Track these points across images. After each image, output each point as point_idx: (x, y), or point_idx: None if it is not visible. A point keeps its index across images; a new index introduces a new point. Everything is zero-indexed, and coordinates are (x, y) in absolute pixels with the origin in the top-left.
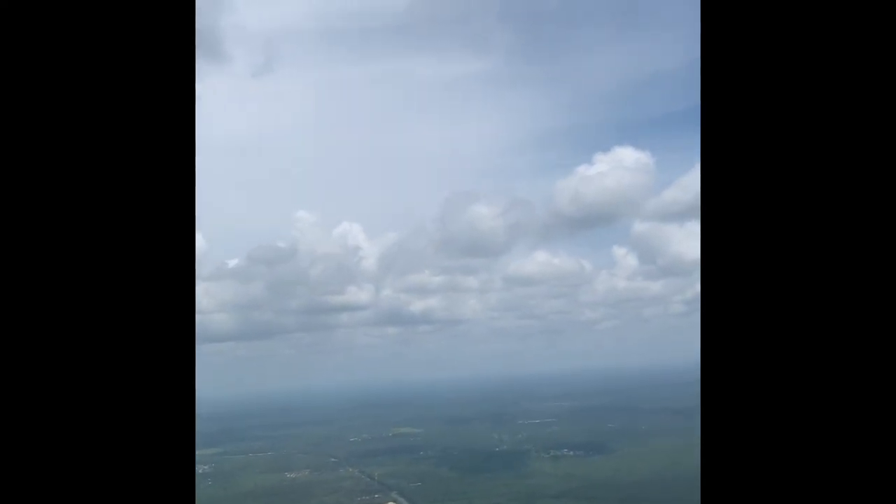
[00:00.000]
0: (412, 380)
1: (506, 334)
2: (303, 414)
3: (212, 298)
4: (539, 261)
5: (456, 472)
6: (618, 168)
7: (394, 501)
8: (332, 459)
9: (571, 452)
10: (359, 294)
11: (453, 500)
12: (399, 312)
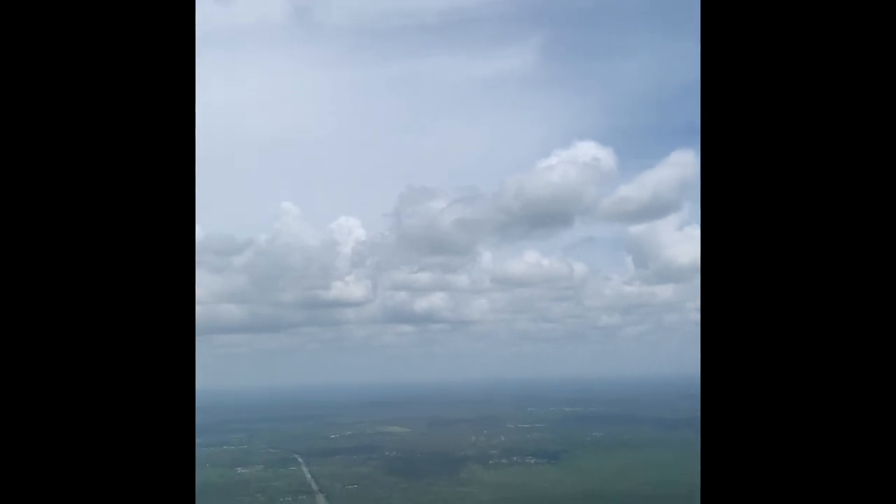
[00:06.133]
0: (427, 380)
1: (526, 337)
2: (301, 409)
3: (203, 289)
4: (528, 261)
5: (399, 476)
6: (574, 164)
7: None
8: (295, 456)
9: (533, 460)
10: (350, 290)
11: None
12: (402, 310)
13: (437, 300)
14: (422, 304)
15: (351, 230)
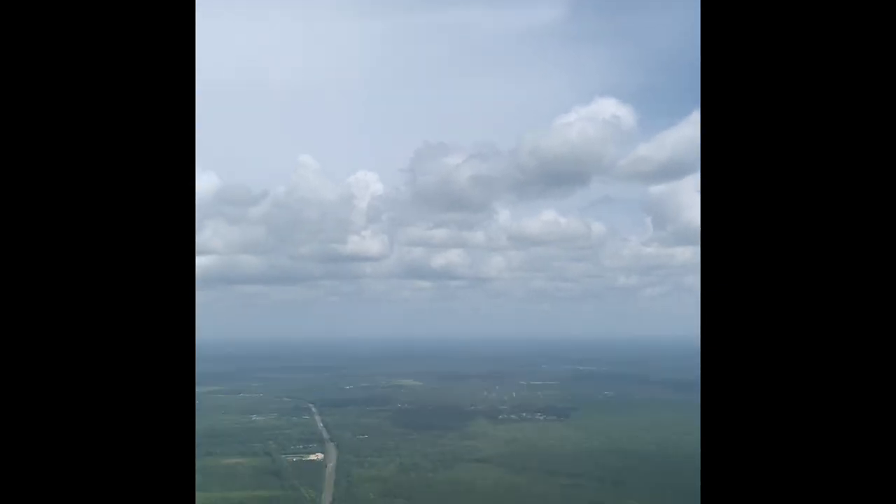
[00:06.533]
0: (442, 335)
1: (543, 295)
2: (318, 360)
3: (220, 238)
4: (545, 220)
5: (408, 427)
6: (593, 121)
7: (322, 454)
8: (309, 405)
9: (542, 417)
10: (366, 244)
11: (382, 455)
12: (419, 266)
13: (453, 257)
14: (438, 260)
15: (368, 184)
